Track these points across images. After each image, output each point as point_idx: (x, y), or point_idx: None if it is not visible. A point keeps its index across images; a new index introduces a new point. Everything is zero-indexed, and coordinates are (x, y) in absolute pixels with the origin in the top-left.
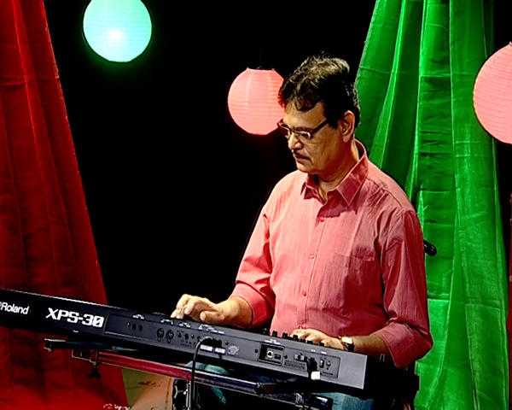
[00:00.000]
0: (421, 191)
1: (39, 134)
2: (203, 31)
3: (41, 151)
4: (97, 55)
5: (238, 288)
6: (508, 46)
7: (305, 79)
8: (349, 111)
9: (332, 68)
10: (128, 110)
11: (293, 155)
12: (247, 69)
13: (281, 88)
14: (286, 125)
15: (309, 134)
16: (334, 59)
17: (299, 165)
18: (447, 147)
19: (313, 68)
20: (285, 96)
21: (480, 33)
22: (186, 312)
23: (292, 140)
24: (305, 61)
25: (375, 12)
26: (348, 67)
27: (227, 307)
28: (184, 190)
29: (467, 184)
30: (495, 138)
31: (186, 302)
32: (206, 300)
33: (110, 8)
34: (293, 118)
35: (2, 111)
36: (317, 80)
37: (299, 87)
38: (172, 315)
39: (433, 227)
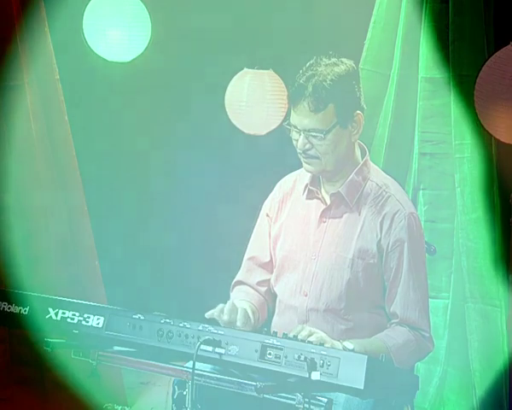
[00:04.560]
0: (421, 191)
1: (39, 134)
2: (202, 31)
3: (41, 151)
4: (97, 55)
5: (240, 290)
6: (508, 46)
7: (315, 79)
8: (358, 111)
9: (342, 68)
10: (128, 110)
11: (301, 156)
12: (245, 69)
13: (290, 89)
14: (295, 126)
15: (322, 136)
16: (341, 59)
17: (306, 166)
18: (447, 147)
19: (322, 69)
20: (295, 97)
21: (480, 33)
22: (223, 323)
23: (302, 141)
24: (312, 61)
25: (375, 12)
26: (356, 67)
27: (249, 312)
28: (183, 189)
29: (467, 183)
30: (495, 138)
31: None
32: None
33: (110, 8)
34: (304, 119)
35: (2, 111)
36: (329, 81)
37: (310, 88)
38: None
39: (433, 227)
